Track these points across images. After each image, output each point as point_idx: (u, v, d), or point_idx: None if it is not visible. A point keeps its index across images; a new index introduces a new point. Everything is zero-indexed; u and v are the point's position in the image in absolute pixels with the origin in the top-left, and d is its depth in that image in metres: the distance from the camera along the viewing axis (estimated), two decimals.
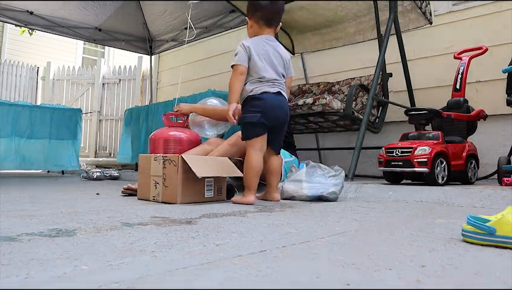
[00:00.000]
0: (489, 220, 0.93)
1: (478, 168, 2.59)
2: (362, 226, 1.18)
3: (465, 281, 0.63)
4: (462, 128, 2.62)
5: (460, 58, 2.78)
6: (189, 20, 3.66)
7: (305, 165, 2.04)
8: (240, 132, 2.04)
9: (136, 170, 4.39)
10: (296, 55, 4.25)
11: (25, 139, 4.25)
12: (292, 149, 2.58)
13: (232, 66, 1.84)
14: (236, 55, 1.84)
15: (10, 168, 4.17)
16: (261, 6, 1.89)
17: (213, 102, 2.54)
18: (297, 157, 2.53)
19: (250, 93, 1.83)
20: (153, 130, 2.67)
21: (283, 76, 1.92)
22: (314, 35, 4.03)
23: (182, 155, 1.76)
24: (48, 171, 5.36)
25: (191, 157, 1.81)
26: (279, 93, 1.86)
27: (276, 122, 1.87)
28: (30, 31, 6.97)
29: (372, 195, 2.08)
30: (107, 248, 0.80)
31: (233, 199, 1.88)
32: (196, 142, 2.42)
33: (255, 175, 1.81)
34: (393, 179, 2.43)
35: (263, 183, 2.11)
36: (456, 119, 2.57)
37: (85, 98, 6.91)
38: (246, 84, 1.86)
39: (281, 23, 1.98)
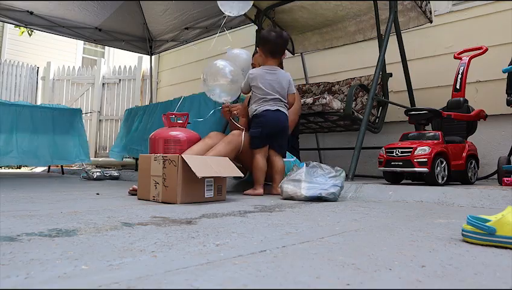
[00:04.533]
0: (489, 220, 0.93)
1: (478, 168, 2.59)
2: (362, 226, 1.18)
3: (465, 281, 0.63)
4: (462, 128, 2.62)
5: (460, 58, 2.78)
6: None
7: (305, 165, 2.03)
8: (235, 131, 2.30)
9: (136, 169, 4.40)
10: (296, 55, 4.25)
11: (27, 136, 4.27)
12: (295, 152, 2.61)
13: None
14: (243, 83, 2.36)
15: (12, 163, 4.20)
16: (268, 40, 2.29)
17: (236, 52, 2.76)
18: (299, 160, 2.54)
19: (255, 113, 2.28)
20: (151, 130, 2.66)
21: (283, 96, 2.31)
22: (314, 34, 4.03)
23: (182, 155, 1.76)
24: (48, 171, 5.36)
25: (191, 157, 1.81)
26: (277, 110, 2.28)
27: (273, 131, 2.26)
28: (30, 31, 6.97)
29: (372, 195, 2.08)
30: (107, 248, 0.80)
31: (245, 191, 2.23)
32: (196, 141, 2.42)
33: (261, 173, 2.24)
34: (393, 179, 2.43)
35: (267, 184, 2.37)
36: (456, 119, 2.57)
37: (85, 98, 6.92)
38: (252, 104, 2.30)
39: (286, 52, 2.45)
